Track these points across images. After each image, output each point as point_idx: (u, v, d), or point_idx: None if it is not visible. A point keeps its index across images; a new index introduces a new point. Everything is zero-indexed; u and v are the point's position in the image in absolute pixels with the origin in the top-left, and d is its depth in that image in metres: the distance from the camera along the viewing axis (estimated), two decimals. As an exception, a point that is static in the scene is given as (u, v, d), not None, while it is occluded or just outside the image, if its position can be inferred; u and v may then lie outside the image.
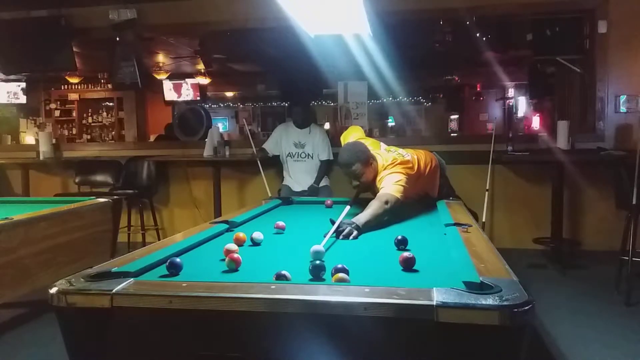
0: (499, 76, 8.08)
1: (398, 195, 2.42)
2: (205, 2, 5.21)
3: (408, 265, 1.46)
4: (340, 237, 2.04)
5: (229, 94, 11.39)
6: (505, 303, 1.05)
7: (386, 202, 2.35)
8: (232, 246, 1.65)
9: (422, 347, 1.08)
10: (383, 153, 2.79)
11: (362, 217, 2.21)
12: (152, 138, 8.04)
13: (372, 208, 2.31)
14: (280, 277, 1.31)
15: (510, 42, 6.26)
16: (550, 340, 2.84)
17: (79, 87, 10.37)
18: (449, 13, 4.99)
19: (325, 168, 4.49)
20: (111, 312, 1.17)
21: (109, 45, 5.45)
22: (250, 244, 1.90)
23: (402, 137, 7.69)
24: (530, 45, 5.13)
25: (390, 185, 2.48)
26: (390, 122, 10.53)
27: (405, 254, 1.48)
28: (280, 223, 2.21)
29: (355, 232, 2.08)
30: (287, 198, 3.24)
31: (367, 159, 2.63)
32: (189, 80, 9.38)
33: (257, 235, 1.92)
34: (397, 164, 2.63)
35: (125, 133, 9.63)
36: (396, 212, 2.40)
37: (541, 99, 7.84)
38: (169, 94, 9.46)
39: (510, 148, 4.54)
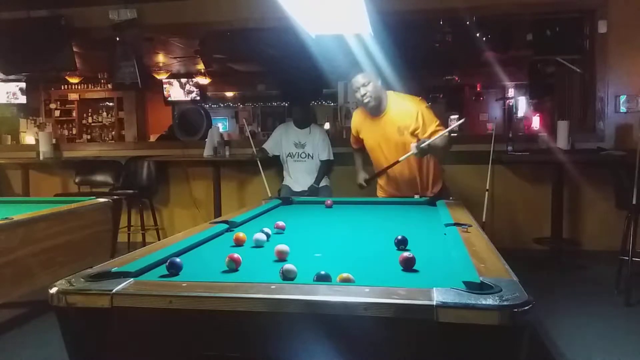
0: (499, 76, 8.08)
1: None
2: (205, 2, 5.21)
3: (408, 265, 1.46)
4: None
5: (229, 94, 11.40)
6: (505, 303, 1.05)
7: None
8: (283, 247, 1.62)
9: (422, 347, 1.08)
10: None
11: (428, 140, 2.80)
12: (152, 138, 8.04)
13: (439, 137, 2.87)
14: (321, 278, 1.29)
15: (510, 42, 6.27)
16: (550, 340, 2.84)
17: (79, 87, 10.39)
18: (449, 13, 4.99)
19: (325, 168, 4.49)
20: (111, 312, 1.17)
21: (109, 45, 5.45)
22: (253, 245, 1.87)
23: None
24: (530, 45, 5.14)
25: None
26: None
27: (405, 254, 1.48)
28: (280, 223, 2.19)
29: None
30: (287, 198, 3.24)
31: (379, 85, 2.99)
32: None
33: (260, 236, 1.88)
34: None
35: (125, 133, 9.61)
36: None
37: (541, 99, 7.84)
38: (176, 92, 9.55)
39: (510, 148, 4.54)
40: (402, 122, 3.01)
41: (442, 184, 3.32)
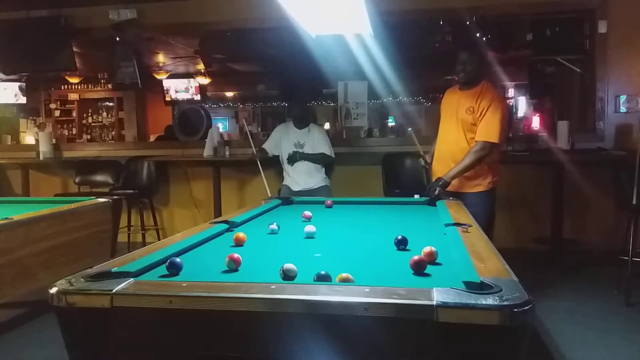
0: (499, 76, 8.07)
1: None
2: (205, 2, 5.21)
3: (419, 268, 1.42)
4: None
5: (229, 94, 11.40)
6: (505, 303, 1.05)
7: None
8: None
9: (422, 347, 1.08)
10: None
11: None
12: (152, 138, 8.04)
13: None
14: (321, 278, 1.29)
15: (510, 42, 6.26)
16: (550, 340, 2.84)
17: (79, 87, 10.38)
18: (449, 13, 4.99)
19: (323, 158, 4.44)
20: (111, 312, 1.17)
21: (109, 45, 5.45)
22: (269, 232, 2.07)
23: (402, 137, 7.68)
24: (530, 45, 5.13)
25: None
26: (391, 122, 10.53)
27: (416, 257, 1.44)
28: (308, 213, 2.37)
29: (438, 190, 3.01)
30: (287, 198, 3.24)
31: (483, 66, 3.37)
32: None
33: (310, 228, 2.00)
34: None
35: (125, 133, 9.62)
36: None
37: (541, 99, 7.83)
38: (176, 92, 9.59)
39: (510, 148, 4.54)
40: (475, 104, 3.20)
41: (491, 181, 3.32)
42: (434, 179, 3.32)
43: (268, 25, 5.06)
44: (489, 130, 3.11)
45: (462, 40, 3.44)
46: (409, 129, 3.78)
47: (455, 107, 3.30)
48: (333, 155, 4.47)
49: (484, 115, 3.13)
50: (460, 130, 3.25)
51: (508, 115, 3.25)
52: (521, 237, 4.71)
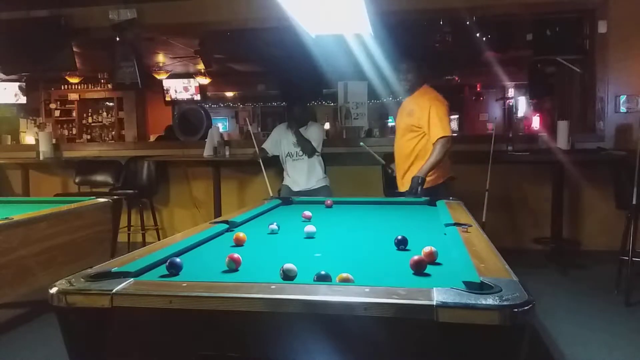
0: (499, 76, 8.08)
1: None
2: (205, 2, 5.21)
3: (419, 268, 1.42)
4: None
5: (229, 94, 11.40)
6: (505, 303, 1.05)
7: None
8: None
9: (422, 347, 1.08)
10: None
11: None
12: (152, 138, 8.05)
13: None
14: (321, 278, 1.29)
15: (510, 42, 6.26)
16: (550, 340, 2.84)
17: (79, 87, 10.38)
18: (449, 13, 4.99)
19: (310, 146, 4.32)
20: (111, 312, 1.17)
21: (109, 45, 5.45)
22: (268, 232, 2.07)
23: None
24: (530, 45, 5.13)
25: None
26: (390, 122, 10.53)
27: (416, 257, 1.44)
28: (308, 213, 2.38)
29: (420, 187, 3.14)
30: (287, 198, 3.24)
31: (422, 72, 3.54)
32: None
33: (310, 228, 2.00)
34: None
35: (125, 133, 9.64)
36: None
37: (541, 99, 7.83)
38: (176, 92, 9.62)
39: (510, 148, 4.54)
40: (415, 107, 3.44)
41: (443, 175, 3.47)
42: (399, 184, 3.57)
43: (268, 25, 5.06)
44: (438, 127, 3.32)
45: (401, 50, 3.71)
46: (361, 143, 3.93)
47: (401, 113, 3.61)
48: (319, 151, 4.41)
49: (430, 117, 3.34)
50: (402, 133, 3.53)
51: (449, 111, 3.47)
52: (521, 237, 4.71)
